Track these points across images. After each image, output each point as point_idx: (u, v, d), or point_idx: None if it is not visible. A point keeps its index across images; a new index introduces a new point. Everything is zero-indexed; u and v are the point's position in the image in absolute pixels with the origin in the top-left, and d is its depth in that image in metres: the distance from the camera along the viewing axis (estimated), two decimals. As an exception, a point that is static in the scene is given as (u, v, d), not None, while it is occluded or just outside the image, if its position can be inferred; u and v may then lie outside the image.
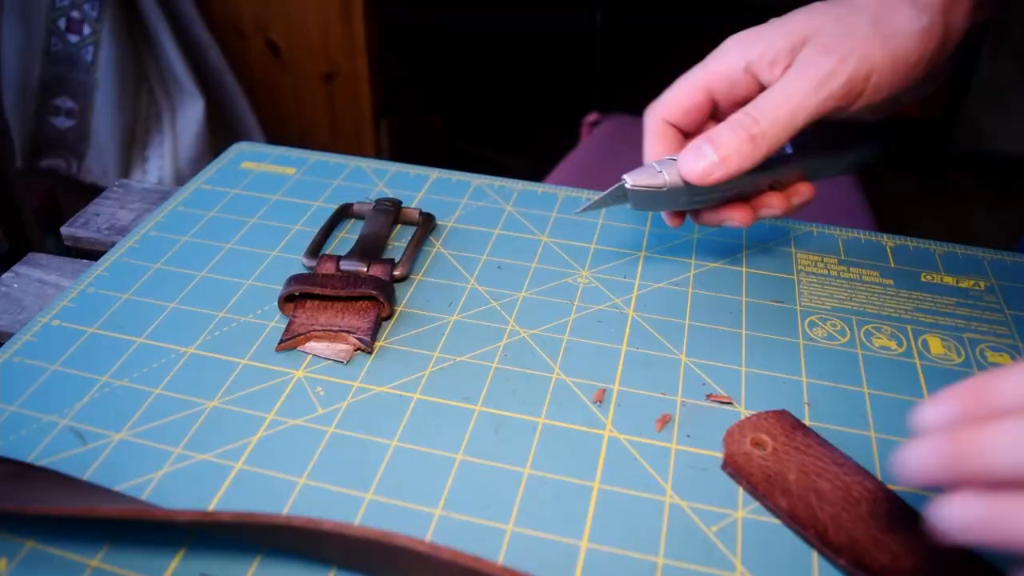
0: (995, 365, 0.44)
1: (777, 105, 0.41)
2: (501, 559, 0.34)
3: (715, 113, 0.46)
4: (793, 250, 0.53)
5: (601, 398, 0.42)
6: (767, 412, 0.40)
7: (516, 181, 0.59)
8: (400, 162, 0.62)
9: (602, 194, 0.44)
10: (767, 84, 0.43)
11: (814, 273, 0.51)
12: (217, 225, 0.54)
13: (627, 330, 0.46)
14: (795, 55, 0.42)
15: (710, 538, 0.35)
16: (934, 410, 0.28)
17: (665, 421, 0.40)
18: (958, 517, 0.26)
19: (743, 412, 0.41)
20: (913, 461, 0.27)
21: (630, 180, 0.43)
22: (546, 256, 0.52)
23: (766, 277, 0.50)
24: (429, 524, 0.35)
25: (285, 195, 0.57)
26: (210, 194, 0.57)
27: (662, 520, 0.36)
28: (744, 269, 0.51)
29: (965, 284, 0.50)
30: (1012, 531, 0.25)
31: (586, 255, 0.52)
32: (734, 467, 0.38)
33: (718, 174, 0.41)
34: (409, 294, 0.48)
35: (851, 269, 0.51)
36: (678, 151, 0.43)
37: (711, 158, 0.41)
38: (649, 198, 0.44)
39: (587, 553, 0.34)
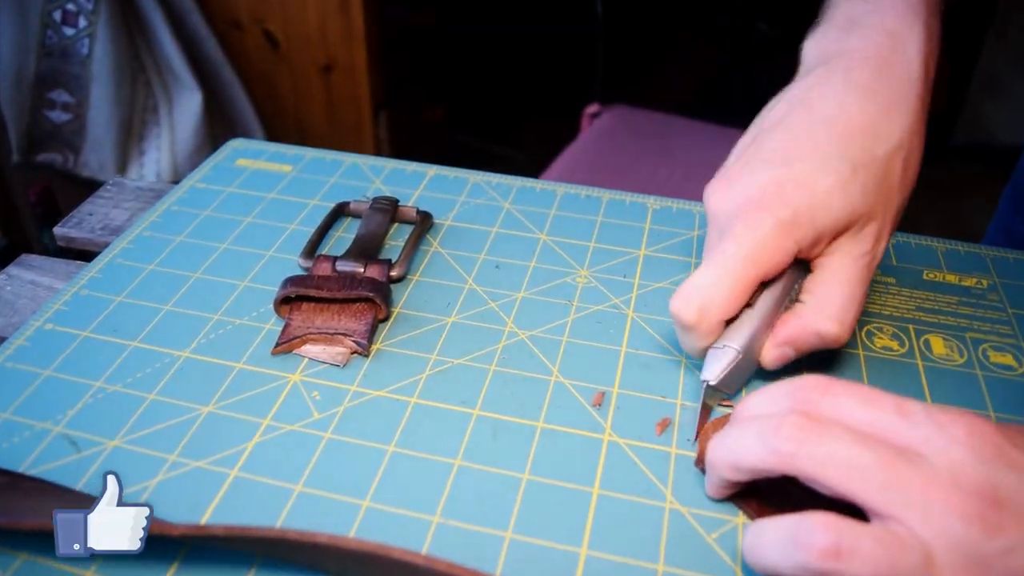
0: (998, 365, 0.43)
1: (834, 296, 0.40)
2: (500, 567, 0.34)
3: None
4: (794, 248, 0.52)
5: (600, 401, 0.41)
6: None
7: (515, 178, 0.59)
8: (399, 155, 0.61)
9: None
10: (808, 257, 0.41)
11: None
12: (212, 225, 0.54)
13: (627, 331, 0.46)
14: (840, 235, 0.40)
15: (710, 544, 0.35)
16: None
17: (665, 425, 0.40)
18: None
19: (744, 415, 0.41)
20: None
21: (713, 379, 0.40)
22: (545, 255, 0.51)
23: (767, 276, 0.50)
24: (427, 532, 0.35)
25: (281, 193, 0.57)
26: (204, 193, 0.57)
27: (662, 526, 0.36)
28: (745, 268, 0.51)
29: (968, 282, 0.49)
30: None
31: (585, 254, 0.52)
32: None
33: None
34: (406, 295, 0.48)
35: (853, 267, 0.51)
36: None
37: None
38: (736, 375, 0.40)
39: (586, 560, 0.34)
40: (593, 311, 0.47)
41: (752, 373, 0.41)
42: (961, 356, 0.44)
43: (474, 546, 0.34)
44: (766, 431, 0.32)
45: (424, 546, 0.34)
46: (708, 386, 0.39)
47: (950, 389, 0.42)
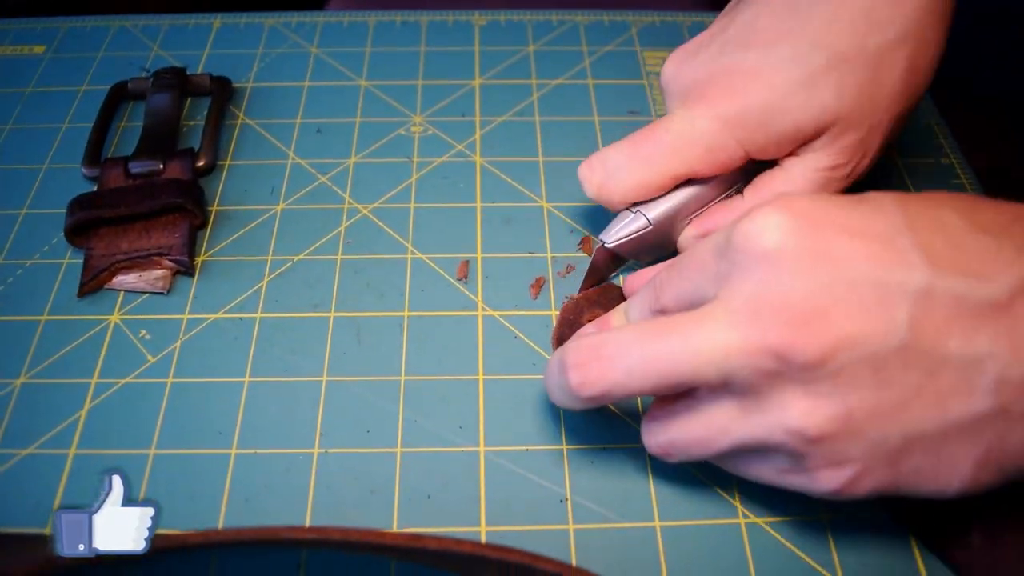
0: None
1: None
2: (397, 485, 0.31)
3: None
4: (638, 48, 0.48)
5: (466, 272, 0.38)
6: (607, 286, 0.37)
7: (316, 14, 0.50)
8: (172, 10, 0.51)
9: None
10: (766, 159, 0.34)
11: (664, 73, 0.47)
12: (-39, 139, 0.44)
13: (478, 182, 0.41)
14: (811, 142, 0.33)
15: (612, 413, 0.33)
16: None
17: (539, 285, 0.37)
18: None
19: (617, 256, 0.38)
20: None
21: (610, 240, 0.35)
22: (370, 105, 0.45)
23: (615, 88, 0.46)
24: (310, 468, 0.32)
25: (39, 84, 0.46)
26: (-60, 97, 0.46)
27: (555, 399, 0.34)
28: (590, 82, 0.46)
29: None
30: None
31: (415, 95, 0.46)
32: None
33: None
34: (220, 188, 0.41)
35: (701, 62, 0.47)
36: None
37: None
38: (639, 247, 0.36)
39: (487, 457, 0.32)
40: (437, 165, 0.42)
41: (662, 253, 0.37)
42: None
43: (366, 470, 0.32)
44: (563, 382, 0.27)
45: (310, 484, 0.31)
46: (603, 246, 0.35)
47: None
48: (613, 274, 0.38)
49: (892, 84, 0.32)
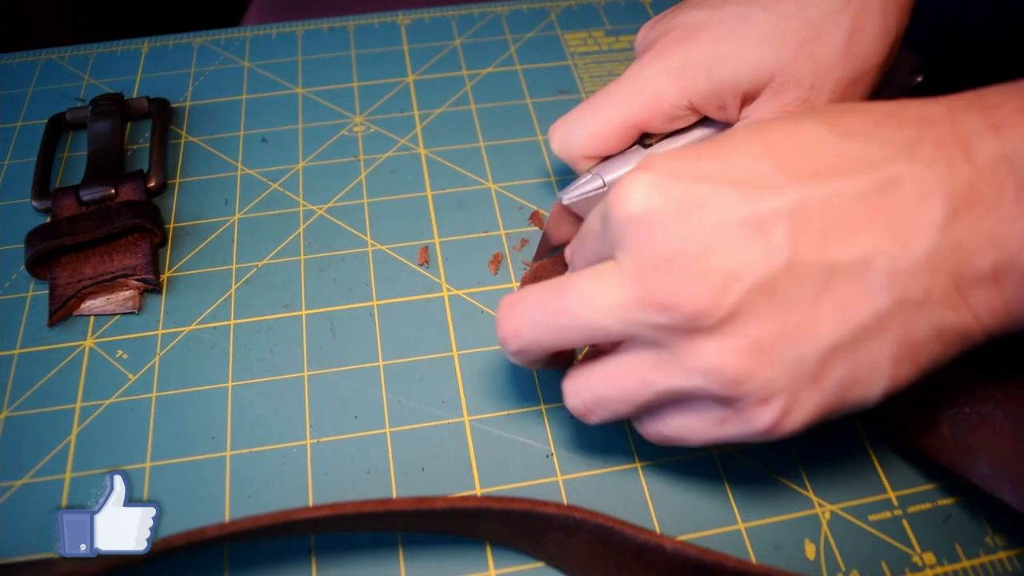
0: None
1: None
2: (391, 462, 0.33)
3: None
4: (560, 32, 0.51)
5: (426, 258, 0.39)
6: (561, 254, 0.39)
7: (244, 29, 0.51)
8: (96, 39, 0.51)
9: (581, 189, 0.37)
10: (721, 119, 0.36)
11: (587, 53, 0.49)
12: (-100, 188, 0.44)
13: (425, 172, 0.43)
14: (753, 99, 0.34)
15: (578, 367, 0.36)
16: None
17: (498, 261, 0.39)
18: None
19: (567, 226, 0.40)
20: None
21: (565, 198, 0.37)
22: (310, 111, 0.46)
23: (543, 71, 0.48)
24: (305, 458, 0.33)
25: (-29, 124, 0.46)
26: None
27: (533, 370, 0.36)
28: (519, 67, 0.48)
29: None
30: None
31: (352, 97, 0.47)
32: None
33: None
34: (175, 206, 0.42)
35: (620, 38, 0.50)
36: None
37: None
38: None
39: (472, 426, 0.34)
40: (384, 160, 0.44)
41: None
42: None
43: (359, 453, 0.33)
44: (504, 344, 0.29)
45: (307, 473, 0.32)
46: (559, 204, 0.37)
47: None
48: (571, 234, 0.39)
49: (834, 45, 0.33)
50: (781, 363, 0.24)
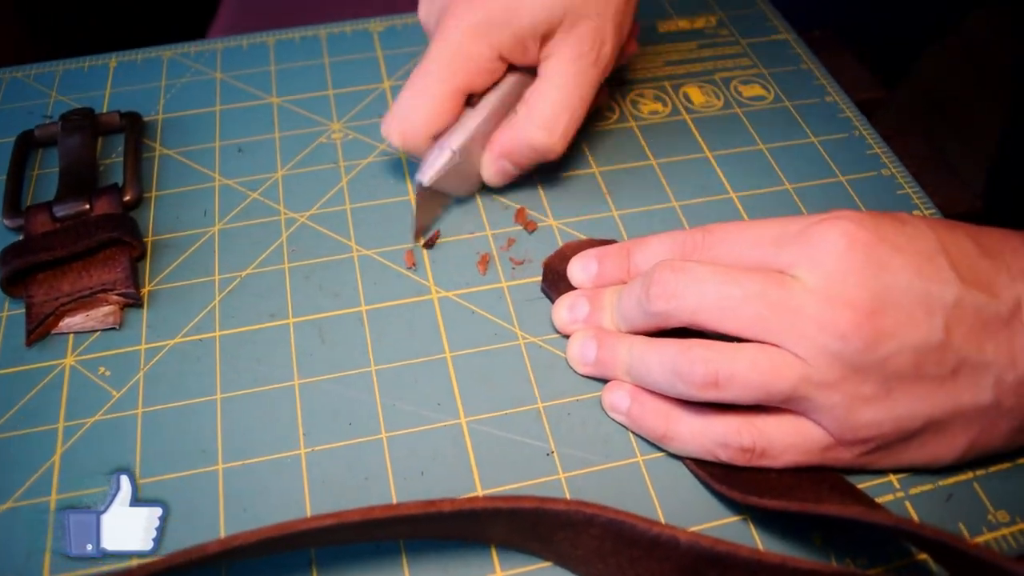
0: (750, 98, 0.45)
1: (545, 104, 0.38)
2: (389, 468, 0.32)
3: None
4: (534, 33, 0.51)
5: (413, 260, 0.39)
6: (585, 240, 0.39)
7: (214, 41, 0.50)
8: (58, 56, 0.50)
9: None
10: (525, 63, 0.39)
11: (563, 53, 0.49)
12: None
13: (407, 176, 0.43)
14: (551, 37, 0.37)
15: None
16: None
17: (486, 261, 0.39)
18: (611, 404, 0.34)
19: (554, 224, 0.40)
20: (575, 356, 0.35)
21: (426, 179, 0.38)
22: (286, 119, 0.46)
23: (520, 72, 0.48)
24: (300, 468, 0.32)
25: (-65, 145, 0.45)
26: None
27: (523, 362, 0.35)
28: (495, 69, 0.48)
29: (699, 24, 0.50)
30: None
31: (328, 104, 0.46)
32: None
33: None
34: (152, 219, 0.41)
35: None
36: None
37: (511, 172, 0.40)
38: (455, 178, 0.39)
39: (470, 427, 0.33)
40: (364, 165, 0.43)
41: (473, 183, 0.40)
42: (719, 99, 0.45)
43: (355, 459, 0.32)
44: (641, 296, 0.32)
45: (303, 482, 0.32)
46: (421, 187, 0.38)
47: (719, 136, 0.44)
48: (442, 210, 0.40)
49: None
50: (895, 416, 0.29)
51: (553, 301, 0.37)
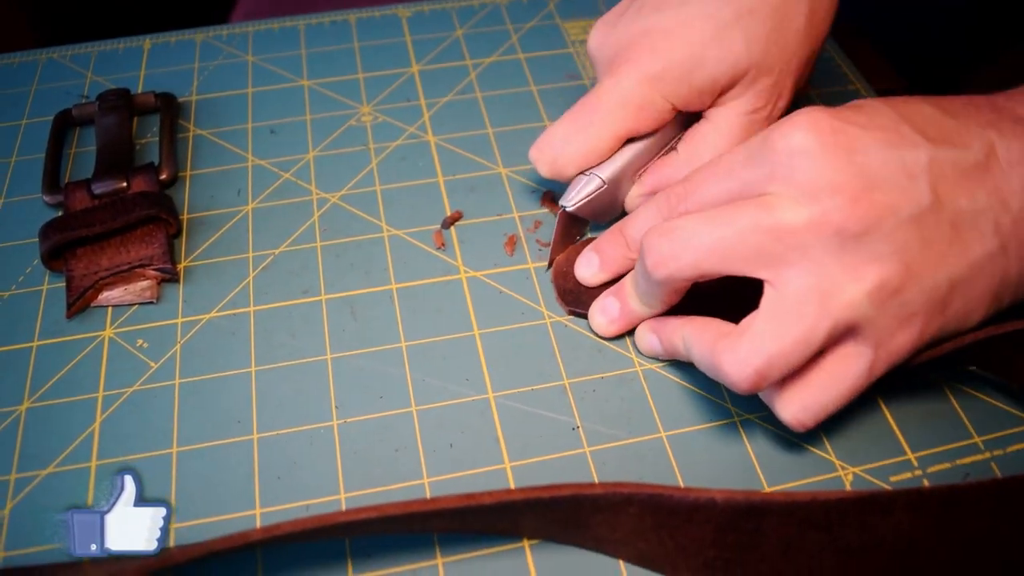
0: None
1: (706, 152, 0.37)
2: (419, 442, 0.33)
3: None
4: (559, 21, 0.51)
5: (442, 241, 0.40)
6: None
7: (246, 24, 0.51)
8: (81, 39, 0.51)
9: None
10: (695, 111, 0.37)
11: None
12: (-95, 187, 0.43)
13: (435, 158, 0.43)
14: (729, 90, 0.36)
15: (603, 345, 0.36)
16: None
17: (513, 243, 0.39)
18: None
19: (580, 207, 0.41)
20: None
21: (570, 205, 0.37)
22: (317, 102, 0.47)
23: (545, 59, 0.49)
24: (333, 439, 0.33)
25: (-25, 123, 0.46)
26: None
27: (550, 341, 0.36)
28: (521, 56, 0.49)
29: None
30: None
31: (358, 88, 0.47)
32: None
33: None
34: (187, 197, 0.42)
35: (622, 24, 0.50)
36: None
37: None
38: (597, 206, 0.38)
39: (497, 402, 0.34)
40: (394, 148, 0.44)
41: (614, 212, 0.40)
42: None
43: (384, 432, 0.33)
44: (644, 270, 0.32)
45: (336, 453, 0.33)
46: (564, 211, 0.38)
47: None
48: (580, 236, 0.40)
49: (796, 31, 0.36)
50: (923, 288, 0.28)
51: (586, 316, 0.37)
